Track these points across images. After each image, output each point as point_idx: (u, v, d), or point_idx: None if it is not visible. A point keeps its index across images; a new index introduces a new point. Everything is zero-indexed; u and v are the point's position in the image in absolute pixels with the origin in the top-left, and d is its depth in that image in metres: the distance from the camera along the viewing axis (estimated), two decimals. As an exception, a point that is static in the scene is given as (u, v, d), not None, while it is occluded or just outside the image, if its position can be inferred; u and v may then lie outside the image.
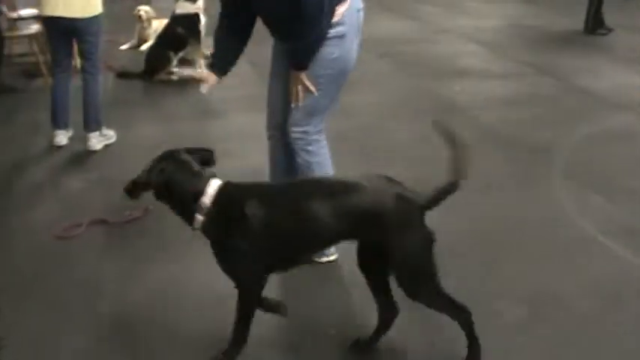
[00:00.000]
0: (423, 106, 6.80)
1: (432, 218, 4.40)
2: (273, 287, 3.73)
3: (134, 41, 9.54)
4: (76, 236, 4.23)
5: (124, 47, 9.48)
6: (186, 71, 7.88)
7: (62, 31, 5.47)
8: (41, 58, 7.69)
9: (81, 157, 5.58)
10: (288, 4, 3.21)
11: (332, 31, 3.41)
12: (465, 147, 2.95)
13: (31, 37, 7.81)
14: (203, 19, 7.84)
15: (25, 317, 3.42)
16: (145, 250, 4.10)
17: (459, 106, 6.73)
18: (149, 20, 9.45)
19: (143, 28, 9.46)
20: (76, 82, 5.76)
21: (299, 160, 3.70)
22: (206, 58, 7.60)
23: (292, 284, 3.73)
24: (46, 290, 3.69)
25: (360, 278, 3.72)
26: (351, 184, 2.89)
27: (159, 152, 3.64)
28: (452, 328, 3.06)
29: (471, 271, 3.83)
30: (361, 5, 3.56)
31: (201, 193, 2.80)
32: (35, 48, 7.77)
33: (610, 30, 10.13)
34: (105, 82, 5.89)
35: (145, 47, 9.15)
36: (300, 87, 3.53)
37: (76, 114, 5.73)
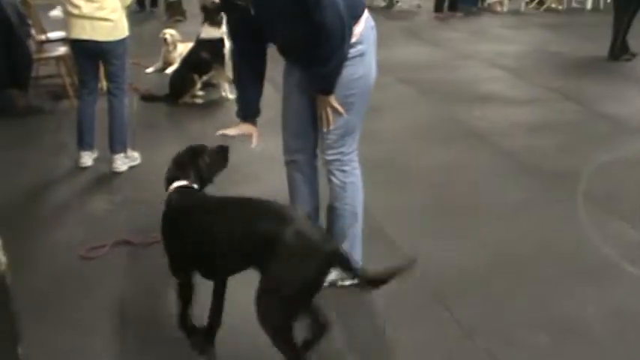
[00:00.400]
0: (445, 132, 6.81)
1: (450, 242, 4.44)
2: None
3: (159, 64, 9.61)
4: (100, 257, 4.26)
5: (149, 70, 9.56)
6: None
7: (89, 54, 5.54)
8: (68, 80, 7.77)
9: (106, 178, 5.63)
10: (312, 32, 3.22)
11: (352, 51, 3.42)
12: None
13: (58, 59, 7.89)
14: (227, 44, 7.90)
15: (47, 338, 3.45)
16: (168, 271, 4.12)
17: (481, 132, 6.73)
18: (174, 44, 9.52)
19: (168, 52, 9.53)
20: (101, 104, 5.82)
21: (334, 180, 3.70)
22: (230, 81, 7.65)
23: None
24: (69, 311, 3.72)
25: (384, 301, 3.74)
26: (276, 211, 2.98)
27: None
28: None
29: (490, 297, 3.82)
30: (373, 23, 3.58)
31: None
32: (62, 70, 7.84)
33: (634, 55, 10.10)
34: (130, 104, 5.94)
35: (169, 70, 9.22)
36: (329, 110, 3.54)
37: (101, 136, 5.79)
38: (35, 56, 7.79)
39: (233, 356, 3.37)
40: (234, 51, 3.70)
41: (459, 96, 8.22)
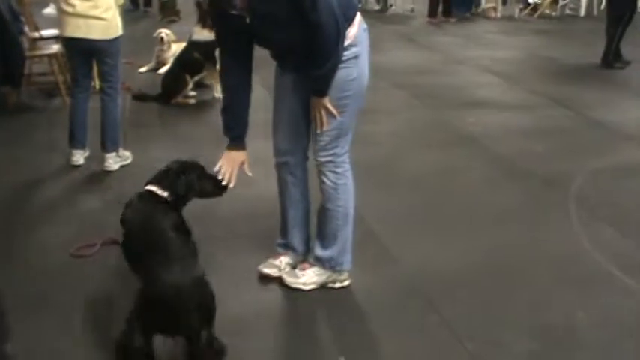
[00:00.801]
0: (438, 137, 6.82)
1: (441, 246, 4.45)
2: (284, 313, 3.76)
3: (152, 64, 9.61)
4: (91, 255, 4.25)
5: (142, 70, 9.55)
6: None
7: (82, 52, 5.53)
8: (60, 78, 7.76)
9: (97, 177, 5.62)
10: (307, 37, 3.24)
11: (347, 53, 3.43)
12: None
13: (51, 56, 7.87)
14: (219, 46, 7.89)
15: (37, 336, 3.44)
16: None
17: (474, 137, 6.74)
18: (169, 43, 9.52)
19: (162, 51, 9.52)
20: (93, 102, 5.80)
21: (327, 182, 3.70)
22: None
23: (303, 309, 3.74)
24: (59, 309, 3.71)
25: (375, 304, 3.76)
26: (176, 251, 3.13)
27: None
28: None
29: (480, 302, 3.82)
30: (365, 25, 3.58)
31: None
32: (55, 68, 7.83)
33: (627, 63, 10.14)
34: (122, 103, 5.93)
35: (163, 70, 9.22)
36: (323, 112, 3.54)
37: (93, 134, 5.78)
38: (28, 54, 7.78)
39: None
40: (222, 59, 3.67)
41: (452, 101, 8.24)
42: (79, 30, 5.39)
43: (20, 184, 5.48)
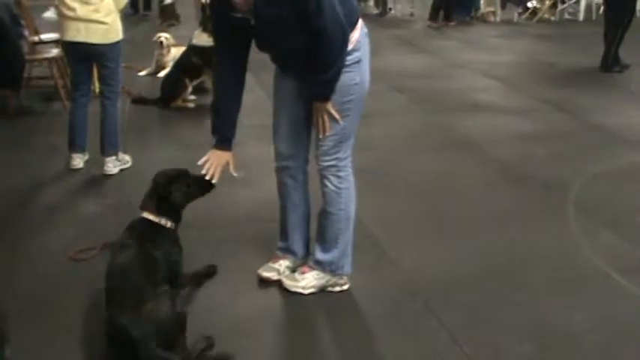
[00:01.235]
0: (437, 141, 6.82)
1: (440, 249, 4.46)
2: (283, 317, 3.76)
3: (152, 68, 9.62)
4: (90, 259, 4.25)
5: (142, 73, 9.56)
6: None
7: (83, 57, 5.54)
8: (60, 82, 7.76)
9: (97, 181, 5.63)
10: (312, 42, 3.25)
11: (350, 58, 3.44)
12: None
13: (50, 60, 7.88)
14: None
15: (35, 340, 3.44)
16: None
17: (473, 141, 6.75)
18: (168, 47, 9.54)
19: (162, 55, 9.54)
20: (93, 106, 5.81)
21: (329, 186, 3.70)
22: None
23: (303, 313, 3.74)
24: (57, 313, 3.71)
25: (374, 307, 3.77)
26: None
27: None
28: None
29: (479, 305, 3.83)
30: (366, 30, 3.59)
31: None
32: (54, 72, 7.84)
33: (626, 68, 10.15)
34: (122, 107, 5.93)
35: (162, 74, 9.23)
36: (326, 117, 3.55)
37: (92, 138, 5.78)
38: (28, 57, 7.78)
39: None
40: (217, 60, 3.67)
41: (451, 105, 8.24)
42: (79, 34, 5.40)
43: (20, 188, 5.48)
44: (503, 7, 16.80)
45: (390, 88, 8.83)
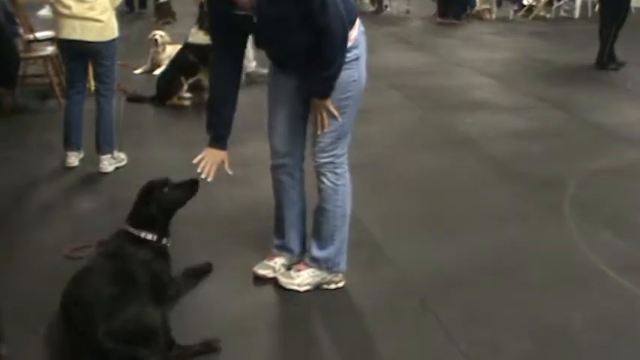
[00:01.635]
0: (434, 139, 6.82)
1: (436, 247, 4.45)
2: (279, 314, 3.76)
3: (147, 66, 9.60)
4: (85, 257, 4.23)
5: (137, 71, 9.54)
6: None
7: (78, 54, 5.52)
8: (55, 80, 7.74)
9: (92, 178, 5.61)
10: (314, 40, 3.26)
11: (348, 55, 3.45)
12: None
13: (45, 58, 7.85)
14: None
15: (31, 338, 3.43)
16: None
17: (470, 139, 6.75)
18: (164, 45, 9.52)
19: (157, 53, 9.52)
20: (88, 104, 5.79)
21: (326, 183, 3.70)
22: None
23: (298, 310, 3.74)
24: (53, 311, 3.69)
25: (370, 305, 3.76)
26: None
27: (170, 176, 3.71)
28: None
29: (475, 303, 3.83)
30: (363, 28, 3.60)
31: None
32: (49, 69, 7.81)
33: (621, 65, 10.16)
34: (117, 105, 5.91)
35: (158, 72, 9.21)
36: (324, 114, 3.54)
37: (87, 136, 5.77)
38: (23, 55, 7.76)
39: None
40: (214, 57, 3.65)
41: (447, 102, 8.24)
42: (74, 32, 5.38)
43: (15, 186, 5.46)
44: (499, 4, 16.82)
45: (387, 85, 8.82)
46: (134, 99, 7.98)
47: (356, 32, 3.49)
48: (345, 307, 3.78)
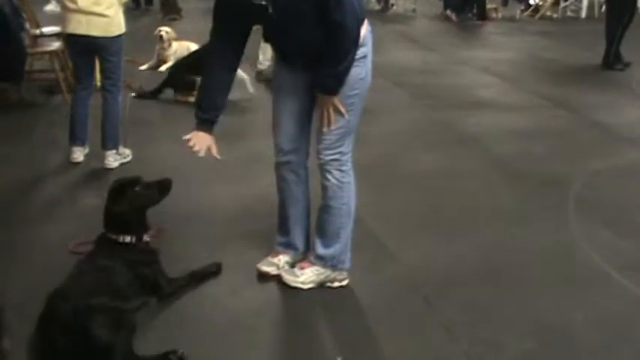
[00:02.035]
0: (438, 137, 6.82)
1: (440, 246, 4.46)
2: (282, 312, 3.77)
3: (153, 62, 9.61)
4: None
5: (143, 67, 9.55)
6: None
7: (84, 49, 5.53)
8: (61, 75, 7.75)
9: (97, 174, 5.62)
10: (327, 35, 3.29)
11: (357, 53, 3.46)
12: None
13: (51, 53, 7.87)
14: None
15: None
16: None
17: (474, 138, 6.75)
18: (169, 41, 9.53)
19: (163, 49, 9.53)
20: (94, 100, 5.81)
21: (332, 180, 3.70)
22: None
23: (302, 308, 3.74)
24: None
25: (373, 303, 3.77)
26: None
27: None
28: None
29: (478, 302, 3.83)
30: (370, 26, 3.61)
31: None
32: (56, 65, 7.83)
33: (627, 65, 10.14)
34: (123, 101, 5.93)
35: (164, 68, 9.22)
36: (331, 110, 3.55)
37: (93, 131, 5.78)
38: (29, 50, 7.78)
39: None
40: (215, 39, 3.60)
41: (452, 101, 8.24)
42: (80, 26, 5.39)
43: (20, 181, 5.48)
44: (505, 4, 16.80)
45: (392, 83, 8.82)
46: (142, 96, 7.98)
47: (364, 30, 3.49)
48: (347, 305, 3.79)
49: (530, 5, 16.61)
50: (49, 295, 3.25)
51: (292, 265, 3.99)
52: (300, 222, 4.00)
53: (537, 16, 16.20)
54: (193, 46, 9.47)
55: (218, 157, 3.68)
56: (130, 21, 5.91)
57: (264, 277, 3.98)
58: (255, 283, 3.98)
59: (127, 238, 3.62)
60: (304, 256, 4.03)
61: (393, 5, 17.11)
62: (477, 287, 3.99)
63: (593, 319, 3.68)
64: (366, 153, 5.62)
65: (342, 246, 3.85)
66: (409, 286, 3.98)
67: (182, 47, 9.64)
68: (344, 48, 3.36)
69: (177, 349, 3.25)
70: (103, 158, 5.69)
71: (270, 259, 4.03)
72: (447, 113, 7.69)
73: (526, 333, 3.54)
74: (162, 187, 3.75)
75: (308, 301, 3.79)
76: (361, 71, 3.55)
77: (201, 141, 3.62)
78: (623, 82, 9.45)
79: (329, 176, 3.71)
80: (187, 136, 3.63)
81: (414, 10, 16.61)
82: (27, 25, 8.00)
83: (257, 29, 3.55)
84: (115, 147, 5.74)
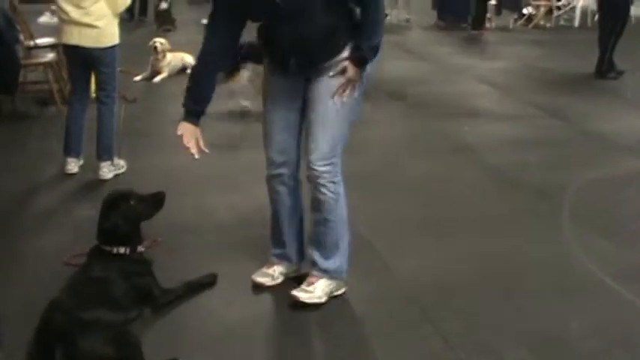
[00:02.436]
0: (433, 146, 6.83)
1: (435, 255, 4.45)
2: (278, 322, 3.76)
3: (147, 73, 9.61)
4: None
5: (137, 78, 9.55)
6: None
7: (78, 60, 5.54)
8: (55, 87, 7.75)
9: (91, 185, 5.61)
10: (335, 22, 3.47)
11: None
12: None
13: (45, 65, 7.86)
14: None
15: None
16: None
17: (469, 147, 6.76)
18: (164, 52, 9.54)
19: (157, 60, 9.54)
20: (89, 111, 5.80)
21: (327, 193, 3.66)
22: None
23: (297, 318, 3.73)
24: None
25: (369, 313, 3.76)
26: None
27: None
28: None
29: (474, 311, 3.83)
30: None
31: None
32: (50, 76, 7.82)
33: (620, 73, 10.17)
34: (118, 112, 5.91)
35: (158, 79, 9.22)
36: (348, 89, 3.57)
37: (87, 142, 5.77)
38: (23, 62, 7.76)
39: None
40: (211, 31, 3.60)
41: (446, 110, 8.24)
42: (72, 37, 5.41)
43: (15, 192, 5.47)
44: (498, 13, 16.82)
45: (386, 93, 8.83)
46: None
47: None
48: (343, 315, 3.78)
49: (524, 14, 16.65)
50: (45, 307, 3.22)
51: (296, 278, 3.98)
52: (293, 233, 3.99)
53: (531, 25, 16.24)
54: (188, 57, 9.51)
55: (206, 150, 3.65)
56: (124, 32, 5.92)
57: (259, 287, 3.97)
58: (250, 293, 3.97)
59: (122, 250, 3.60)
60: (299, 266, 4.02)
61: (387, 15, 17.11)
62: (473, 296, 3.98)
63: (590, 327, 3.68)
64: (360, 162, 5.64)
65: (342, 256, 3.84)
66: (405, 296, 3.97)
67: (176, 58, 9.66)
68: (378, 18, 3.49)
69: (176, 357, 3.25)
70: (97, 169, 5.68)
71: (264, 270, 4.01)
72: (442, 122, 7.69)
73: (523, 341, 3.53)
74: (156, 201, 3.73)
75: (303, 311, 3.78)
76: (368, 67, 3.58)
77: (188, 133, 3.61)
78: (617, 91, 9.47)
79: (324, 190, 3.67)
80: (179, 131, 3.61)
81: (408, 20, 16.63)
82: (21, 37, 7.99)
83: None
84: (110, 158, 5.73)
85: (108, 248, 3.60)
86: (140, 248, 3.69)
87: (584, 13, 16.53)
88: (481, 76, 10.34)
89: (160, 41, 9.62)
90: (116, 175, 5.76)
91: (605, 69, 10.16)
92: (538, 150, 6.71)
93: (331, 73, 3.55)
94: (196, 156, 3.61)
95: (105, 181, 5.65)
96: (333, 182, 3.67)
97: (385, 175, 5.94)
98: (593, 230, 4.86)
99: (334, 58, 3.55)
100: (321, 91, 3.59)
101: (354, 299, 3.89)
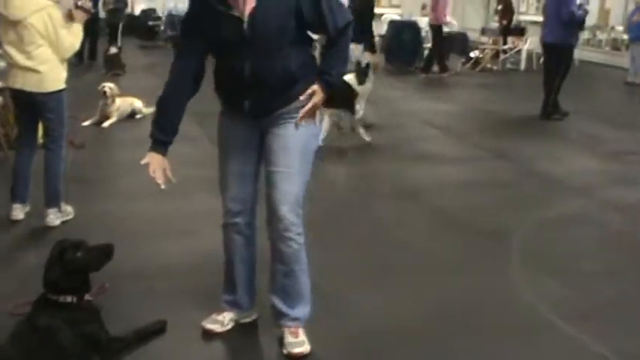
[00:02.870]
0: (380, 190, 6.86)
1: (386, 302, 4.44)
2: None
3: (96, 118, 9.53)
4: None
5: (86, 123, 9.45)
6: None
7: (23, 105, 5.49)
8: (1, 131, 7.63)
9: (38, 232, 5.51)
10: (304, 50, 3.56)
11: None
12: None
13: (-9, 110, 7.76)
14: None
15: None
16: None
17: (416, 190, 6.79)
18: (113, 97, 9.49)
19: (106, 105, 9.48)
20: (38, 156, 5.73)
21: (293, 246, 3.64)
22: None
23: None
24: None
25: (319, 356, 3.73)
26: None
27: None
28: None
29: (423, 353, 3.82)
30: None
31: None
32: (-6, 121, 7.72)
33: (565, 115, 10.38)
34: (66, 157, 5.83)
35: (106, 124, 9.17)
36: (310, 107, 3.56)
37: (34, 188, 5.69)
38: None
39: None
40: (180, 56, 3.62)
41: (395, 154, 8.31)
42: (16, 81, 5.36)
43: (-42, 239, 5.36)
44: (446, 57, 17.08)
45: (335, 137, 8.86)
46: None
47: None
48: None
49: (471, 58, 16.95)
50: None
51: (237, 322, 3.97)
52: (246, 281, 3.95)
53: (478, 68, 16.54)
54: (137, 102, 9.47)
55: (174, 180, 3.62)
56: (72, 76, 5.87)
57: (208, 334, 3.93)
58: (200, 340, 3.92)
59: (68, 298, 3.54)
60: (249, 312, 4.01)
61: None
62: (421, 339, 3.98)
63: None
64: (312, 209, 5.59)
65: (308, 301, 3.83)
66: (358, 338, 3.95)
67: (125, 103, 9.62)
68: (347, 46, 3.57)
69: None
70: (44, 216, 5.59)
71: (214, 316, 3.97)
72: (389, 166, 7.74)
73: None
74: (105, 253, 3.67)
75: (252, 356, 3.74)
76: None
77: (155, 163, 3.58)
78: (562, 132, 9.65)
79: (291, 243, 3.64)
80: (144, 160, 3.59)
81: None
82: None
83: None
84: (57, 205, 5.64)
85: (54, 297, 3.53)
86: (87, 297, 3.62)
87: (529, 56, 16.88)
88: (429, 119, 10.46)
89: (109, 86, 9.56)
90: (64, 222, 5.66)
91: (551, 111, 10.36)
92: (486, 192, 6.79)
93: (291, 126, 3.57)
94: (162, 186, 3.58)
95: (52, 227, 5.55)
96: (299, 234, 3.66)
97: (331, 220, 5.89)
98: (542, 270, 4.91)
99: (287, 106, 3.55)
100: (282, 144, 3.59)
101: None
